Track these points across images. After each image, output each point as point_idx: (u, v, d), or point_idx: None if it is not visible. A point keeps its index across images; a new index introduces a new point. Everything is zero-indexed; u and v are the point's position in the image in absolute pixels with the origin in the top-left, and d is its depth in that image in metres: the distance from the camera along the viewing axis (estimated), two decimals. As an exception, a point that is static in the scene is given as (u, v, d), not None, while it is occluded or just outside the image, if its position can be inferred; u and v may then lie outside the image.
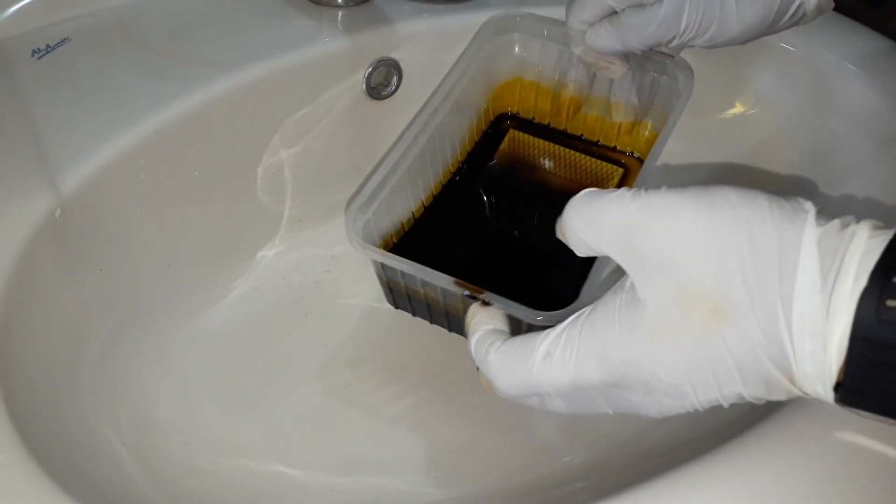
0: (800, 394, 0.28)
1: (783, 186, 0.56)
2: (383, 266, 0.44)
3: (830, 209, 0.34)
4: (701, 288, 0.28)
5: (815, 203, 0.29)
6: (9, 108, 0.46)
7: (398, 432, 0.46)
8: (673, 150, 0.48)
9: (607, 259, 0.31)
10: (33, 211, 0.40)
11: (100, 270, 0.45)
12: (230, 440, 0.44)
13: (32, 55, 0.49)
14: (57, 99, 0.46)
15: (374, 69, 0.54)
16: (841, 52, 0.55)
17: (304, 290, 0.53)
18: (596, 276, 0.39)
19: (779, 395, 0.28)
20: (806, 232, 0.27)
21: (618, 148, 0.55)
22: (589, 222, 0.30)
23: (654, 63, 0.49)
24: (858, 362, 0.26)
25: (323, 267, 0.54)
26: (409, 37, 0.54)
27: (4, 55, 0.49)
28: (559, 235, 0.32)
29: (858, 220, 0.27)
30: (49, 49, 0.50)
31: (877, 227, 0.26)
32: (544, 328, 0.31)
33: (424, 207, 0.52)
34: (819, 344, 0.26)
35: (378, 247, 0.46)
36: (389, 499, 0.43)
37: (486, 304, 0.36)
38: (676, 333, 0.28)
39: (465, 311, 0.36)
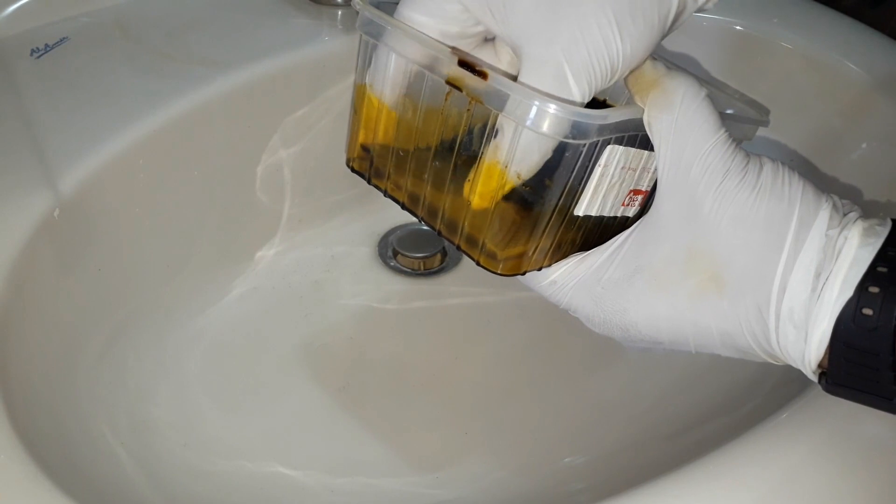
0: (782, 364, 0.31)
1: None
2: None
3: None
4: (707, 255, 0.29)
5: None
6: (7, 107, 0.46)
7: (398, 433, 0.46)
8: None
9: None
10: (32, 211, 0.40)
11: (98, 270, 0.45)
12: (229, 441, 0.44)
13: (31, 54, 0.49)
14: (56, 98, 0.46)
15: (373, 69, 0.53)
16: (842, 51, 0.55)
17: (303, 291, 0.52)
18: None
19: (756, 360, 0.31)
20: (816, 226, 0.29)
21: None
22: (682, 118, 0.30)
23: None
24: (839, 361, 0.29)
25: (323, 267, 0.54)
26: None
27: (3, 55, 0.49)
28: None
29: (866, 216, 0.30)
30: (48, 48, 0.49)
31: (868, 234, 0.29)
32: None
33: None
34: (801, 335, 0.29)
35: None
36: (389, 499, 0.42)
37: (482, 75, 0.30)
38: (674, 287, 0.30)
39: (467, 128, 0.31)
